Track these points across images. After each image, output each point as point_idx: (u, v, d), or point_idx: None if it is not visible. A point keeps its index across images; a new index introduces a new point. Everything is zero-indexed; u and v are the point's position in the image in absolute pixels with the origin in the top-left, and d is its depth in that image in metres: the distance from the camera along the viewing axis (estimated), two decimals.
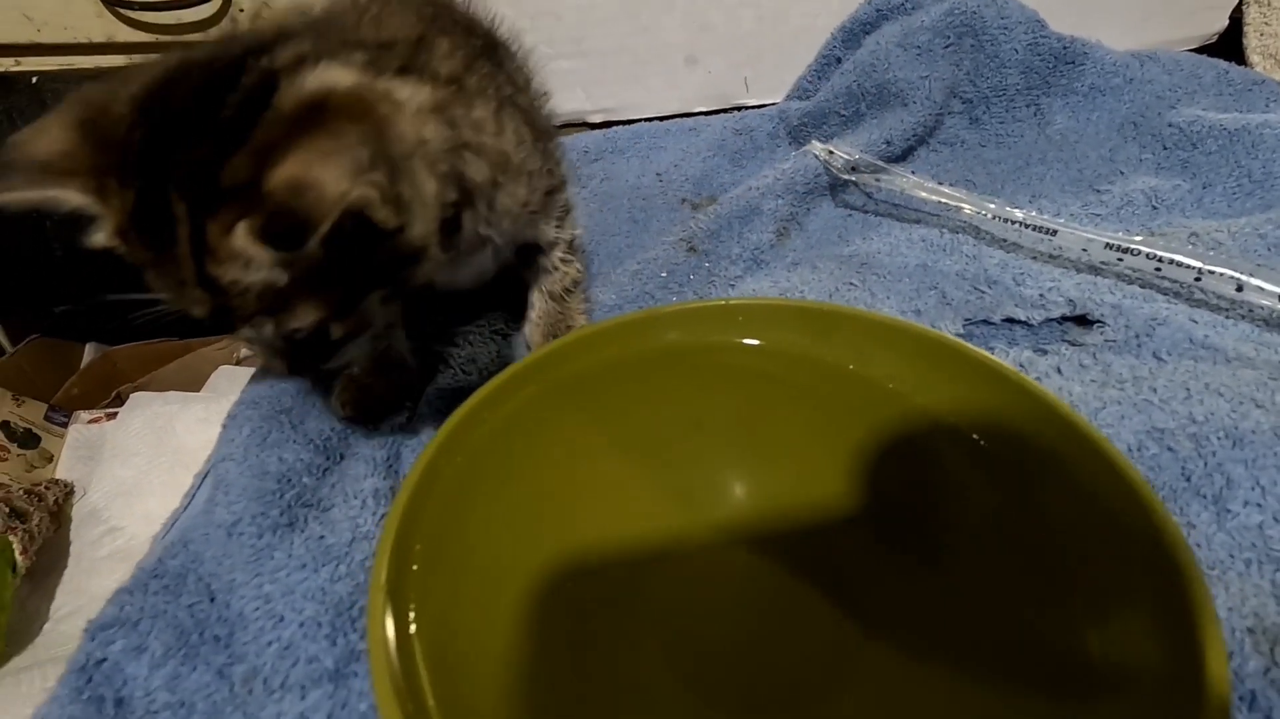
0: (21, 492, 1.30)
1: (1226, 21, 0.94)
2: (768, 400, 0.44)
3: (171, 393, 1.42)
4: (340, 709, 0.34)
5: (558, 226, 0.56)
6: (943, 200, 0.65)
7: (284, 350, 0.39)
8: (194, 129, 0.33)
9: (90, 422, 1.42)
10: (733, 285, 0.63)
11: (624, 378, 0.44)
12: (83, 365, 1.56)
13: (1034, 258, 0.64)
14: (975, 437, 0.40)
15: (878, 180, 0.68)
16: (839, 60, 0.83)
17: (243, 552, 0.43)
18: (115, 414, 1.40)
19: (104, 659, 0.38)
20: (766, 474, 0.43)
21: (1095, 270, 0.61)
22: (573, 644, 0.36)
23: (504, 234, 0.49)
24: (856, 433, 0.42)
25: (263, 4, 1.28)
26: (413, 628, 0.30)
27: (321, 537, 0.42)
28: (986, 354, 0.41)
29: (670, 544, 0.41)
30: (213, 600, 0.41)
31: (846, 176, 0.69)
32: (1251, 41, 1.02)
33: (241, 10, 1.27)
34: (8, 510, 1.19)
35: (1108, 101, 0.78)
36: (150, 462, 1.30)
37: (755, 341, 0.45)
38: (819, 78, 0.85)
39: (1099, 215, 0.69)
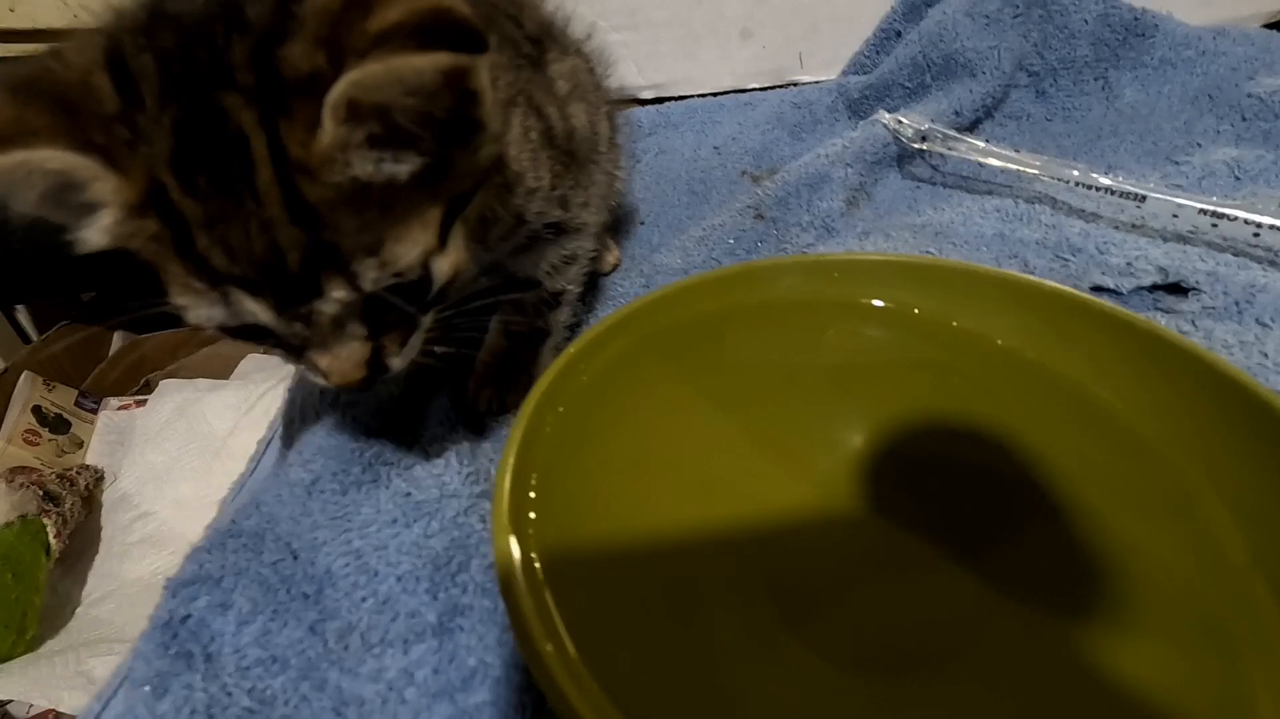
0: (54, 476, 1.29)
1: None
2: (874, 357, 0.42)
3: (201, 380, 1.41)
4: (448, 664, 0.32)
5: (548, 270, 0.49)
6: (1020, 169, 0.63)
7: (374, 323, 0.34)
8: (218, 38, 0.28)
9: (120, 408, 1.41)
10: (805, 253, 0.61)
11: (718, 331, 0.43)
12: (111, 352, 1.56)
13: (1116, 227, 0.62)
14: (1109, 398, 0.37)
15: (949, 149, 0.66)
16: (899, 34, 0.81)
17: (325, 509, 0.41)
18: (145, 401, 1.39)
19: (188, 615, 0.37)
20: (872, 431, 0.41)
21: (1183, 239, 0.59)
22: (687, 596, 0.34)
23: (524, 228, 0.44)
24: (977, 396, 0.40)
25: None
26: (536, 565, 0.28)
27: (408, 493, 0.41)
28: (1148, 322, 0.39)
29: (774, 499, 0.39)
30: (296, 558, 0.39)
31: (917, 146, 0.67)
32: None
33: None
34: (42, 493, 1.19)
35: (1179, 74, 0.75)
36: (180, 448, 1.29)
37: (865, 299, 0.43)
38: (878, 52, 0.83)
39: (1179, 186, 0.66)
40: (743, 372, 0.43)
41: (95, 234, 0.29)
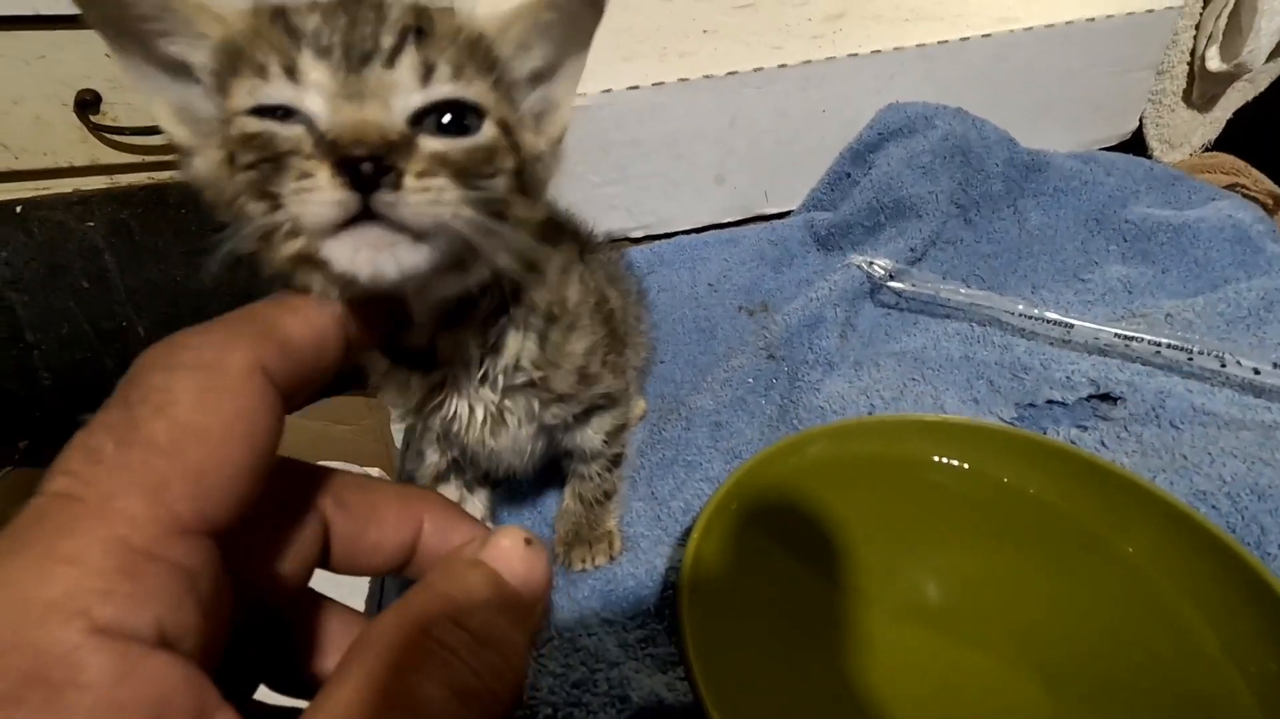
0: None
1: (1137, 122, 1.15)
2: (953, 512, 0.54)
3: None
4: None
5: (606, 440, 0.56)
6: (973, 303, 0.78)
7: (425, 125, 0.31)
8: None
9: None
10: (817, 388, 0.73)
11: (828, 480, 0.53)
12: None
13: (1051, 343, 0.78)
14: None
15: (916, 287, 0.81)
16: (848, 175, 0.97)
17: None
18: None
19: None
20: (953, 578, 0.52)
21: (1102, 352, 0.75)
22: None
23: (553, 395, 0.49)
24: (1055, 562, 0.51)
25: None
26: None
27: None
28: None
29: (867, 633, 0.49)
30: None
31: (889, 285, 0.81)
32: (1150, 130, 1.25)
33: None
34: None
35: (1070, 200, 0.94)
36: None
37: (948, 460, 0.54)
38: (831, 189, 0.98)
39: (1089, 301, 0.84)
40: (844, 518, 0.53)
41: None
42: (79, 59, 1.16)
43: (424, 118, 0.31)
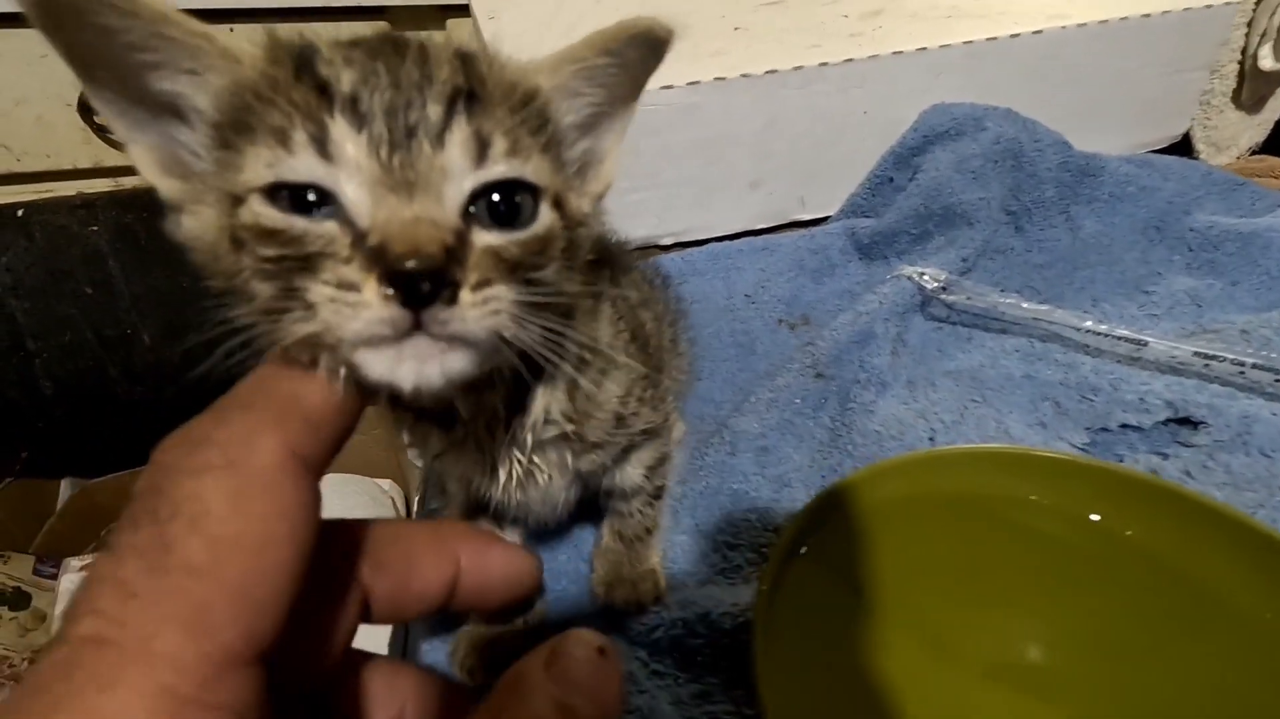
0: (25, 663, 1.19)
1: (1189, 123, 1.09)
2: (1048, 558, 0.48)
3: None
4: None
5: (646, 474, 0.51)
6: (1038, 318, 0.73)
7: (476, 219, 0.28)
8: None
9: (82, 569, 1.32)
10: (871, 410, 0.68)
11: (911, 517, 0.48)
12: (59, 504, 1.46)
13: (1118, 361, 0.72)
14: None
15: (969, 299, 0.75)
16: (890, 180, 0.91)
17: None
18: None
19: None
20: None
21: (1176, 371, 0.70)
22: None
23: (587, 445, 0.44)
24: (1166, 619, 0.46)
25: None
26: None
27: None
28: None
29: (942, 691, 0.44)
30: None
31: (943, 298, 0.76)
32: (1197, 133, 1.20)
33: None
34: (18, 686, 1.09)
35: (1127, 207, 0.89)
36: None
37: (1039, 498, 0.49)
38: (872, 195, 0.93)
39: (1155, 315, 0.79)
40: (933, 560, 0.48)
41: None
42: None
43: (475, 200, 0.27)
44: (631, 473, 0.51)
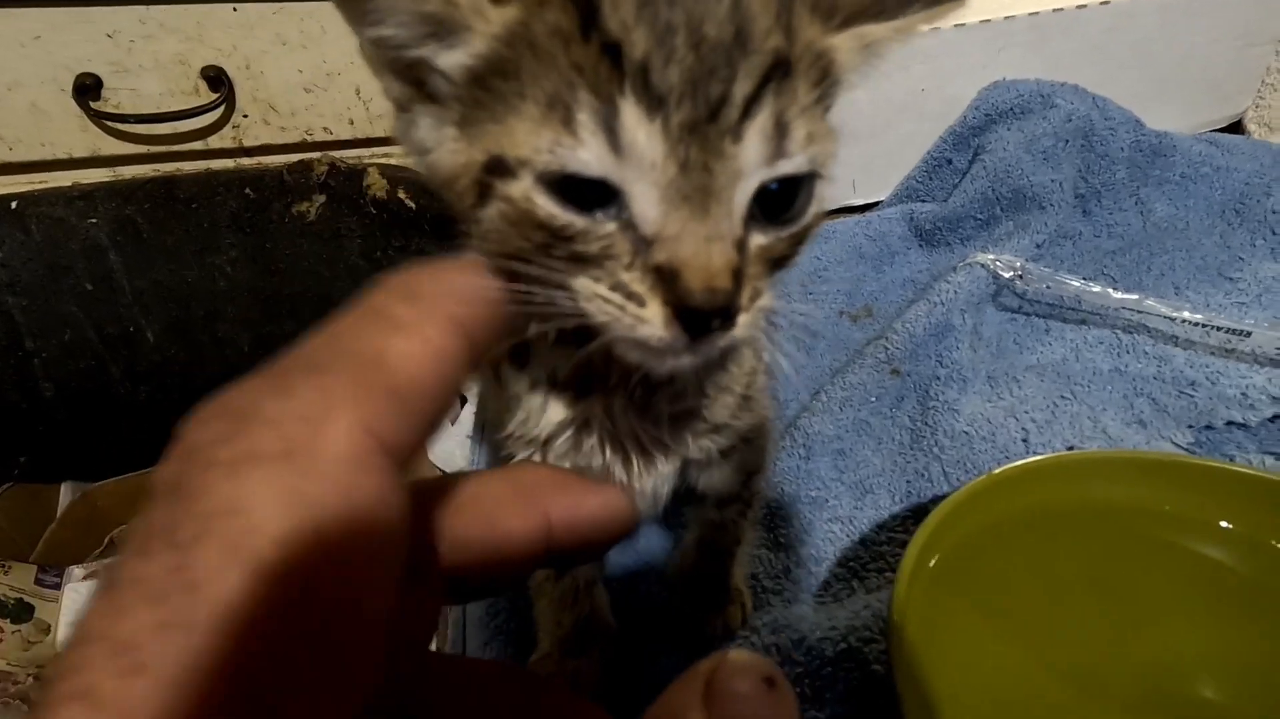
0: (30, 678, 1.14)
1: (1251, 101, 1.04)
2: (1201, 578, 0.44)
3: None
4: None
5: (745, 480, 0.48)
6: (1126, 308, 0.68)
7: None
8: None
9: (86, 577, 1.26)
10: (955, 409, 0.63)
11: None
12: (60, 510, 1.40)
13: (1212, 353, 0.67)
14: None
15: (1051, 288, 0.70)
16: (949, 161, 0.86)
17: None
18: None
19: None
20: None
21: (1276, 363, 0.65)
22: None
23: (710, 425, 0.40)
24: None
25: (269, 108, 1.21)
26: None
27: None
28: None
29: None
30: None
31: (1017, 287, 0.71)
32: (1249, 113, 1.15)
33: (245, 116, 1.20)
34: (23, 705, 1.05)
35: (1201, 189, 0.84)
36: None
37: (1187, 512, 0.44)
38: (929, 177, 0.87)
39: (1242, 303, 0.74)
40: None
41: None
42: (79, 40, 1.06)
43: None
44: (732, 475, 0.47)
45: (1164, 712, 0.39)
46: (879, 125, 0.86)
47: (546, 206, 0.22)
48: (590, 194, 0.22)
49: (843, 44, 0.26)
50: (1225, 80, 0.99)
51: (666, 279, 0.22)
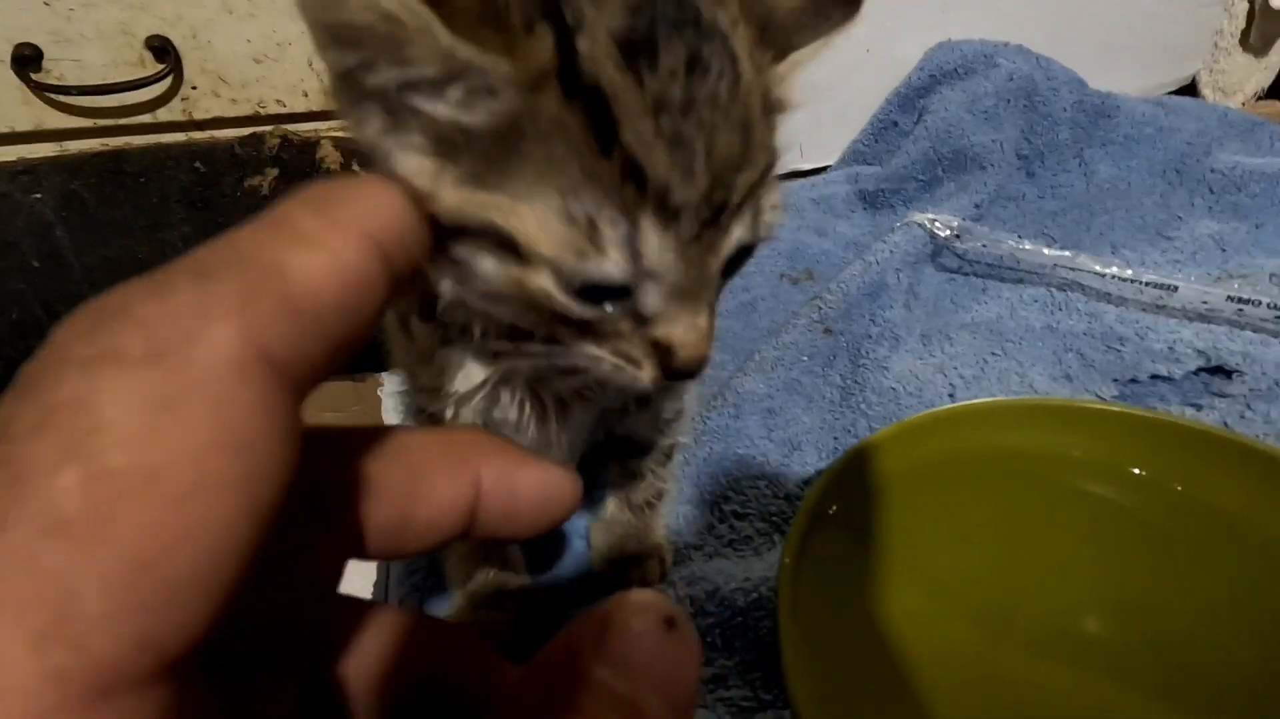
0: None
1: (1200, 65, 1.04)
2: (1101, 521, 0.44)
3: None
4: None
5: (662, 428, 0.48)
6: (1059, 265, 0.68)
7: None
8: None
9: None
10: (885, 367, 0.63)
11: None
12: None
13: (1144, 309, 0.68)
14: None
15: (985, 246, 0.70)
16: (895, 124, 0.86)
17: None
18: None
19: None
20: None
21: (1204, 318, 0.66)
22: None
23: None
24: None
25: (218, 80, 1.19)
26: None
27: None
28: None
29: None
30: None
31: (956, 246, 0.71)
32: (1203, 77, 1.15)
33: (194, 88, 1.17)
34: None
35: (1144, 149, 0.84)
36: None
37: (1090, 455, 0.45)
38: (875, 140, 0.87)
39: (1178, 261, 0.74)
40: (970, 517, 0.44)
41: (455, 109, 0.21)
42: (15, 8, 1.02)
43: None
44: (650, 423, 0.47)
45: (1058, 648, 0.40)
46: (822, 87, 0.85)
47: (564, 302, 0.24)
48: (604, 291, 0.24)
49: (784, 74, 0.27)
50: (1175, 43, 0.99)
51: (661, 350, 0.26)
